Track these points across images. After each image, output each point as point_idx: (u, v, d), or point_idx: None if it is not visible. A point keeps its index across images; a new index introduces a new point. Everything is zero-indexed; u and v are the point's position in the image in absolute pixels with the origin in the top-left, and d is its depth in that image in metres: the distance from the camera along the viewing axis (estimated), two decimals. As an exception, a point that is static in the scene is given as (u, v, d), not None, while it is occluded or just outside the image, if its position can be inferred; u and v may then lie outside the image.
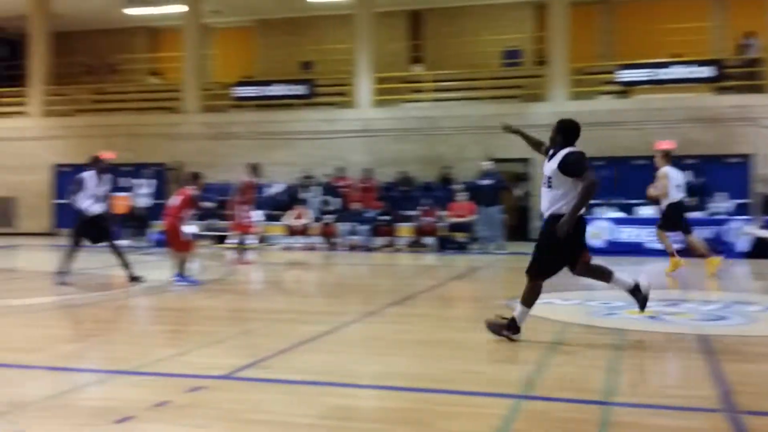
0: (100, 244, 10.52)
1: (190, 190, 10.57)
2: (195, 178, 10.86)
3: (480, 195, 16.73)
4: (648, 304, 6.48)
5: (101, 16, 25.30)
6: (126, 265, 10.41)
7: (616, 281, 6.38)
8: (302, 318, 8.05)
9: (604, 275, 6.42)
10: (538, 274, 6.23)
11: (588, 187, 5.94)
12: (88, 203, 10.36)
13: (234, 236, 14.38)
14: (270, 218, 18.74)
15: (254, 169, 13.99)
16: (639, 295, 6.42)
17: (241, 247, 14.01)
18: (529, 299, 6.21)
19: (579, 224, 6.10)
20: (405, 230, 17.69)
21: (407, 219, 18.07)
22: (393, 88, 21.92)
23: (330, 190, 19.42)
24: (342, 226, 17.90)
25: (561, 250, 6.11)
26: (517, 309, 6.24)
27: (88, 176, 10.48)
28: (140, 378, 5.09)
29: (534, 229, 19.25)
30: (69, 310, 8.62)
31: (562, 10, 20.37)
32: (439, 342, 6.50)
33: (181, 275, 10.34)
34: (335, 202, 19.01)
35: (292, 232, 18.13)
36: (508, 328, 6.22)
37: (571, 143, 6.22)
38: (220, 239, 18.85)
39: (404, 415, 4.28)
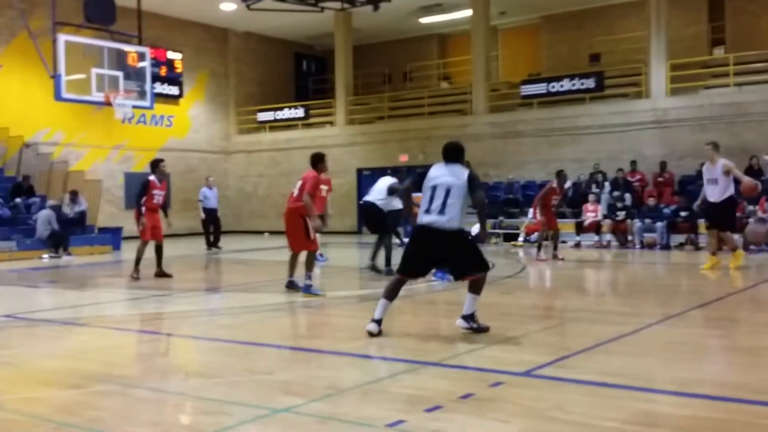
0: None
1: None
2: None
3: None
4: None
5: (396, 28, 26.97)
6: (374, 256, 11.71)
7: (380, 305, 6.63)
8: (599, 318, 7.88)
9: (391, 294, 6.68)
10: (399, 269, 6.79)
11: None
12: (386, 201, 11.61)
13: (535, 235, 14.69)
14: (560, 215, 18.53)
15: (558, 175, 14.21)
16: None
17: (538, 244, 14.35)
18: (387, 292, 6.66)
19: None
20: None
21: (710, 215, 16.73)
22: (691, 74, 20.46)
23: (622, 185, 18.69)
24: (635, 223, 17.14)
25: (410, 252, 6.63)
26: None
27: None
28: (446, 370, 5.38)
29: None
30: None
31: None
32: (754, 349, 5.97)
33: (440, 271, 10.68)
34: (628, 198, 18.26)
35: (583, 229, 17.77)
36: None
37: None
38: (511, 237, 19.12)
39: (718, 426, 4.01)
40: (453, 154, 6.65)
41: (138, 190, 11.73)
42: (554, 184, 14.07)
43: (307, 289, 9.38)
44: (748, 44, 21.02)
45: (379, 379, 5.15)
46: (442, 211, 6.34)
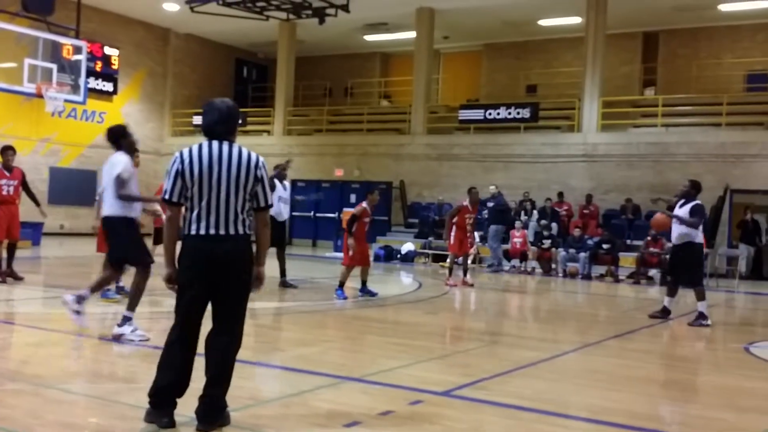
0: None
1: (362, 205, 10.68)
2: (369, 193, 10.91)
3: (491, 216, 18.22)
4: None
5: (340, 42, 27.05)
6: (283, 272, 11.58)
7: None
8: (519, 342, 8.05)
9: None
10: None
11: None
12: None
13: (451, 256, 14.50)
14: (486, 240, 18.84)
15: (470, 192, 13.89)
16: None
17: (449, 267, 14.13)
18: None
19: None
20: (627, 260, 16.98)
21: (630, 248, 17.35)
22: (621, 112, 21.20)
23: (549, 214, 19.16)
24: (560, 252, 17.58)
25: None
26: None
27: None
28: (366, 386, 5.40)
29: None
30: (302, 315, 9.32)
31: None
32: (666, 382, 6.21)
33: (341, 288, 10.58)
34: (554, 227, 18.73)
35: (509, 255, 18.11)
36: None
37: None
38: (440, 258, 19.32)
39: (626, 454, 4.16)
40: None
41: None
42: (466, 202, 13.64)
43: (104, 294, 9.02)
44: (678, 87, 21.96)
45: (300, 393, 5.14)
46: None
